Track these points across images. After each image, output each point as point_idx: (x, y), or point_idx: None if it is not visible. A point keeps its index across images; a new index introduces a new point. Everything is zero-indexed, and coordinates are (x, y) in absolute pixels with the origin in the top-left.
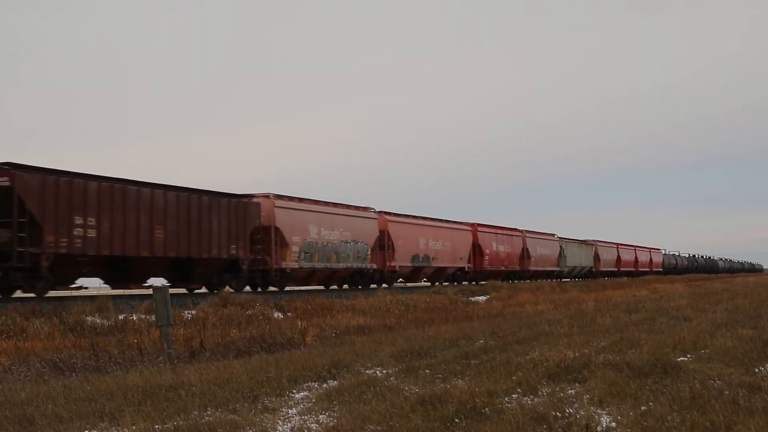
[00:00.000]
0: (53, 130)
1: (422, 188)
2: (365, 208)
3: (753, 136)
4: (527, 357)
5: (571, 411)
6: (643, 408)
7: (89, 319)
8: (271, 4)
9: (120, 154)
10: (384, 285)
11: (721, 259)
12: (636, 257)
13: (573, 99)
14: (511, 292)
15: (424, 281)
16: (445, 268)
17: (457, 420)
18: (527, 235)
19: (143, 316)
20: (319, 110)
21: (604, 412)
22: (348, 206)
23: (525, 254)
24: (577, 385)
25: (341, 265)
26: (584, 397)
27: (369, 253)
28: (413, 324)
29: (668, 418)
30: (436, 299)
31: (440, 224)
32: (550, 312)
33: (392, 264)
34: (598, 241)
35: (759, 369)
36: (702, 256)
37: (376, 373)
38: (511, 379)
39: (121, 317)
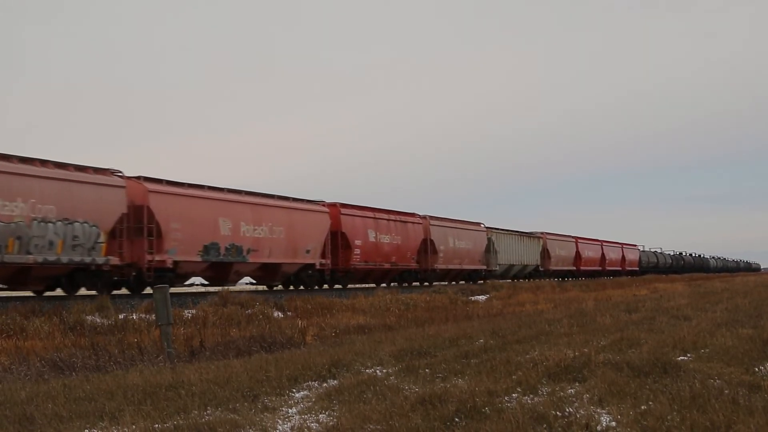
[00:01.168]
0: (52, 128)
1: (423, 188)
2: (99, 170)
3: (751, 136)
4: (527, 356)
5: (571, 410)
6: (642, 407)
7: (89, 318)
8: (271, 4)
9: (119, 154)
10: (148, 290)
11: (713, 258)
12: (603, 254)
13: (572, 99)
14: (511, 292)
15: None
16: (278, 266)
17: (457, 419)
18: (432, 222)
19: (143, 316)
20: (319, 110)
21: (603, 411)
22: (53, 164)
23: (428, 247)
24: (577, 384)
25: (32, 259)
26: (584, 396)
27: (103, 239)
28: (413, 323)
29: (668, 417)
30: (436, 298)
31: (265, 201)
32: (550, 311)
33: (159, 258)
34: (548, 233)
35: (759, 368)
36: (691, 254)
37: (376, 373)
38: (511, 379)
39: (121, 316)
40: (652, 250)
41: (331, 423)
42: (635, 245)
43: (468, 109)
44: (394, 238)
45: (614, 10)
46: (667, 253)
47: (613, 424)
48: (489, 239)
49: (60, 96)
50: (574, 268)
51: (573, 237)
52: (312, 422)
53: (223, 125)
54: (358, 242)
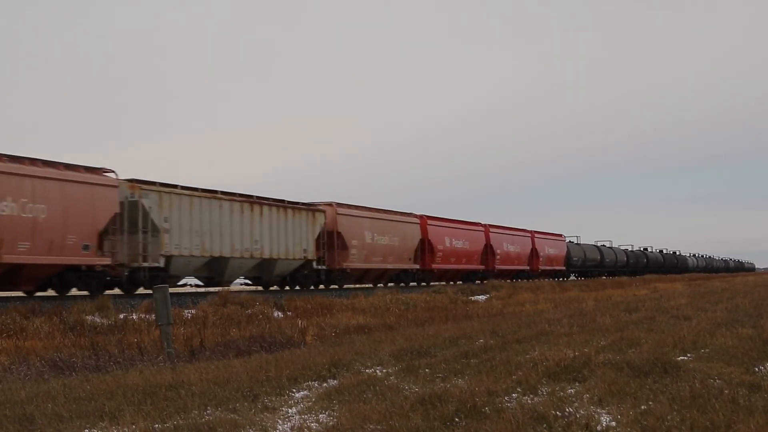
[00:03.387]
0: (52, 128)
1: (423, 188)
2: None
3: (748, 135)
4: (527, 356)
5: (571, 410)
6: (642, 407)
7: (89, 318)
8: (271, 3)
9: (119, 154)
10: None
11: (693, 256)
12: (489, 246)
13: (572, 98)
14: (512, 292)
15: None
16: None
17: (457, 419)
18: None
19: (143, 315)
20: (320, 110)
21: (603, 411)
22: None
23: None
24: (577, 384)
25: None
26: (584, 396)
27: None
28: (413, 323)
29: (668, 417)
30: (436, 298)
31: None
32: (550, 311)
33: None
34: (341, 204)
35: (759, 368)
36: (661, 251)
37: (376, 372)
38: (511, 378)
39: (121, 316)
40: (599, 243)
41: (331, 423)
42: (560, 235)
43: (468, 109)
44: None
45: (614, 10)
46: (623, 248)
47: (613, 424)
48: (135, 204)
49: (58, 95)
50: (417, 266)
51: (417, 216)
52: (312, 422)
53: (222, 124)
54: None
